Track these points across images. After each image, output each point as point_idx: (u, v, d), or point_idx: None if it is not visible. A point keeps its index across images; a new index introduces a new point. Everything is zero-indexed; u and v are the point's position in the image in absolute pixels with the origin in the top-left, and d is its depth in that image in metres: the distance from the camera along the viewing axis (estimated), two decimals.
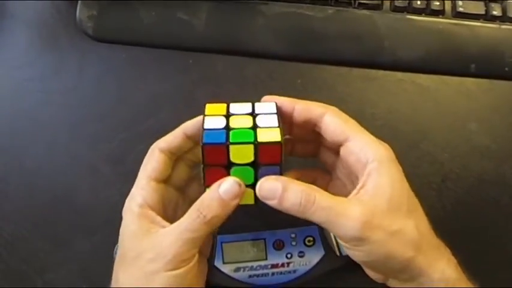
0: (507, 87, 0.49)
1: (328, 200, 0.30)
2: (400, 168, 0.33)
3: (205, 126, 0.31)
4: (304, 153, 0.39)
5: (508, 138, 0.48)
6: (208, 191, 0.31)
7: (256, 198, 0.32)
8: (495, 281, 0.36)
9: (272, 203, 0.31)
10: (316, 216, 0.30)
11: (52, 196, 0.44)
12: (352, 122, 0.34)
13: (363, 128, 0.34)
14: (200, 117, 0.33)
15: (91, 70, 0.47)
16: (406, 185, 0.32)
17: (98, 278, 0.33)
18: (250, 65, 0.47)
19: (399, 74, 0.48)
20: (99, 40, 0.47)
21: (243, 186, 0.31)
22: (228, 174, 0.31)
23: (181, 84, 0.47)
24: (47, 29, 0.49)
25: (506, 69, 0.48)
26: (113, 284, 0.33)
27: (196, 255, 0.32)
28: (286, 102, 0.34)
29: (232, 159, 0.31)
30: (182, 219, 0.31)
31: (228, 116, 0.32)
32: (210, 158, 0.31)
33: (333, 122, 0.33)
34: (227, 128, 0.31)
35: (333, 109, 0.34)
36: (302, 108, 0.34)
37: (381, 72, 0.48)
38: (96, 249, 0.42)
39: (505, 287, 0.41)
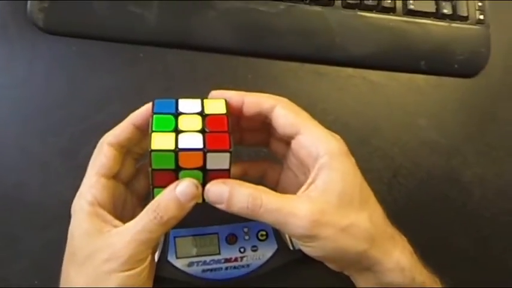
0: (456, 84, 0.50)
1: (276, 201, 0.30)
2: (353, 160, 0.33)
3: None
4: (255, 143, 0.38)
5: (457, 134, 0.49)
6: (164, 192, 0.31)
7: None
8: (441, 275, 0.37)
9: (220, 206, 0.31)
10: (265, 218, 0.30)
11: (2, 191, 0.43)
12: (304, 115, 0.33)
13: (314, 121, 0.33)
14: (147, 106, 0.33)
15: (41, 63, 0.47)
16: (358, 176, 0.32)
17: (50, 274, 0.32)
18: (201, 60, 0.47)
19: (350, 70, 0.49)
20: (50, 32, 0.46)
21: (199, 187, 0.31)
22: (177, 176, 0.31)
23: (132, 78, 0.47)
24: None
25: (456, 66, 0.49)
26: (64, 282, 0.32)
27: (150, 255, 0.32)
28: (236, 96, 0.34)
29: (181, 164, 0.30)
30: (137, 220, 0.31)
31: (176, 115, 0.32)
32: (159, 164, 0.30)
33: (283, 115, 0.33)
34: (176, 130, 0.31)
35: (283, 101, 0.34)
36: (252, 102, 0.34)
37: (332, 68, 0.49)
38: (47, 245, 0.41)
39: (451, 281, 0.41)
